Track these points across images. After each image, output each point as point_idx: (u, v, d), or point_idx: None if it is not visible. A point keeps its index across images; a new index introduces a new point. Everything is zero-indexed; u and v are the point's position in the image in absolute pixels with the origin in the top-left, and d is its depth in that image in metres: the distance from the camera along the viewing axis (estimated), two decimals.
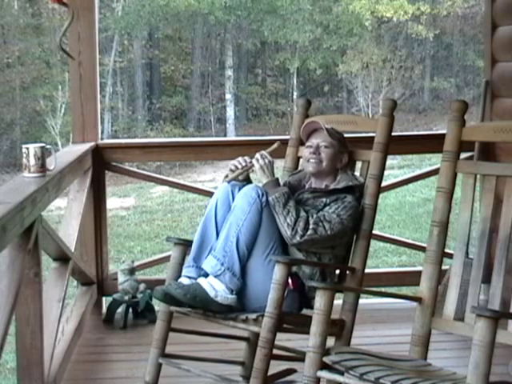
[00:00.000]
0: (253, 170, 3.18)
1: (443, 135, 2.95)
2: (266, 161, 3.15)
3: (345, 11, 20.67)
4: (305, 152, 3.26)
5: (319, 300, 2.55)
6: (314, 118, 3.38)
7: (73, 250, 3.84)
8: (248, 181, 3.22)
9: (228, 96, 21.80)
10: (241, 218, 2.98)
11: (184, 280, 3.04)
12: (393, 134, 3.27)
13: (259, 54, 23.72)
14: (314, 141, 3.23)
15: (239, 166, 3.18)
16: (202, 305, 2.93)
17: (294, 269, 3.01)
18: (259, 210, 3.00)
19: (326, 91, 23.07)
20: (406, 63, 21.69)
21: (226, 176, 3.21)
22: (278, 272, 2.80)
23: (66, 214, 4.15)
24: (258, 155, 3.17)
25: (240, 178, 3.19)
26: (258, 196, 3.01)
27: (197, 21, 21.81)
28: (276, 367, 3.20)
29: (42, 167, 3.09)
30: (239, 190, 3.10)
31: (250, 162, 3.18)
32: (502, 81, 4.47)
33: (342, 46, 21.25)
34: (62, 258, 3.68)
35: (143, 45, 22.15)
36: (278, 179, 3.14)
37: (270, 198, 3.02)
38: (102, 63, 18.09)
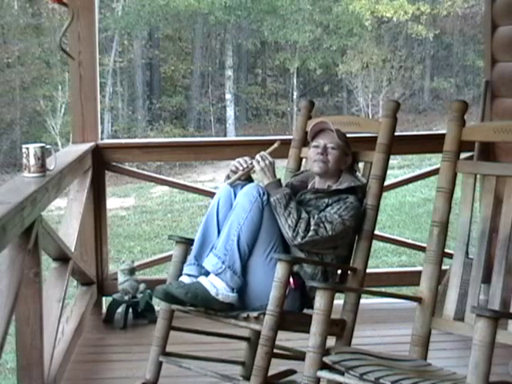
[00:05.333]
0: (254, 171, 3.17)
1: (443, 135, 2.94)
2: (267, 162, 3.14)
3: (345, 11, 20.68)
4: (310, 152, 3.22)
5: (319, 300, 2.55)
6: (322, 119, 3.35)
7: (73, 250, 3.84)
8: (249, 180, 3.22)
9: (228, 96, 21.81)
10: (242, 217, 2.98)
11: (185, 278, 3.04)
12: None
13: (259, 54, 23.72)
14: (321, 141, 3.20)
15: (240, 168, 3.18)
16: (203, 303, 2.92)
17: (296, 268, 3.01)
18: (260, 208, 3.00)
19: (326, 91, 23.08)
20: (406, 63, 21.69)
21: (227, 176, 3.21)
22: (280, 270, 2.80)
23: (65, 214, 4.14)
24: (258, 157, 3.16)
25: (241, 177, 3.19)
26: (260, 195, 3.01)
27: (197, 21, 21.82)
28: (276, 368, 3.20)
29: (42, 167, 3.09)
30: (241, 188, 3.09)
31: (251, 163, 3.17)
32: (502, 81, 4.47)
33: (342, 45, 21.26)
34: (62, 258, 3.68)
35: (143, 45, 22.16)
36: (279, 180, 3.13)
37: (272, 200, 3.02)
38: (102, 63, 18.09)
